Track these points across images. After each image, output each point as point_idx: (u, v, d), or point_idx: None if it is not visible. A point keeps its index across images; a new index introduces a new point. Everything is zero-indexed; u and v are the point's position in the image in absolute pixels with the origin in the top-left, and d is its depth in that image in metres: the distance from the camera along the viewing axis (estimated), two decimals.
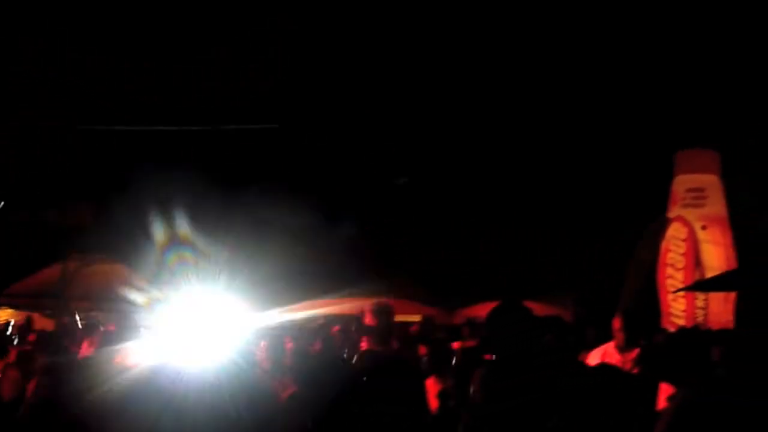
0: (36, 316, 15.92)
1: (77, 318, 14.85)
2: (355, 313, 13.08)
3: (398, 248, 22.23)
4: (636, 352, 6.40)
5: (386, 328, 6.63)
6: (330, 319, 14.58)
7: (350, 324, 12.39)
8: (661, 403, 5.35)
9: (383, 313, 6.72)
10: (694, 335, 6.25)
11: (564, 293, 18.52)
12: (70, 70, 21.09)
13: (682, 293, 16.23)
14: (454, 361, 8.10)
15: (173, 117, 22.21)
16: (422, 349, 8.97)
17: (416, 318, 14.51)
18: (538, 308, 15.42)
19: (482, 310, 12.85)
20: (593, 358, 6.63)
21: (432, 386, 6.89)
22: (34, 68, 20.80)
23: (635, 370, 6.00)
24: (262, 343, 7.46)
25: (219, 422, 5.23)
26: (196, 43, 20.74)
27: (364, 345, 6.97)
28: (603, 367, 5.53)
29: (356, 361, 6.59)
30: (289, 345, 8.13)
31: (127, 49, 21.00)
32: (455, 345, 10.26)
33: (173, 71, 21.29)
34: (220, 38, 20.86)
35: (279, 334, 8.23)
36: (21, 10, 20.28)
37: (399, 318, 14.69)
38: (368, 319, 6.54)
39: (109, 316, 14.71)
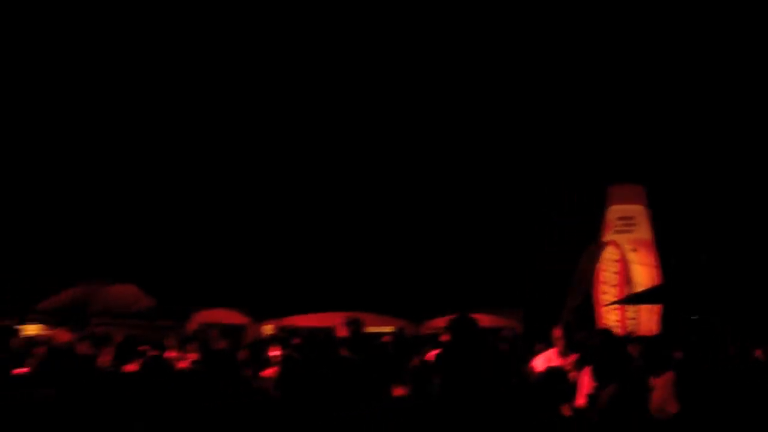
0: (60, 329, 15.72)
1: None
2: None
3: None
4: (574, 356, 6.45)
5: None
6: None
7: None
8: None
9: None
10: (615, 339, 6.34)
11: (515, 308, 18.56)
12: None
13: (615, 306, 16.37)
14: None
15: None
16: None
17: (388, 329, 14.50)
18: (493, 320, 15.64)
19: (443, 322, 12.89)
20: (539, 363, 6.67)
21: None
22: None
23: (573, 372, 6.07)
24: None
25: None
26: None
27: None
28: (549, 369, 5.64)
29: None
30: None
31: None
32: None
33: None
34: None
35: None
36: None
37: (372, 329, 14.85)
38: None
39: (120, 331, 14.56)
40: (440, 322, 15.32)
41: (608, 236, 17.60)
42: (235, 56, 22.44)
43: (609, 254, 17.25)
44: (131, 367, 6.96)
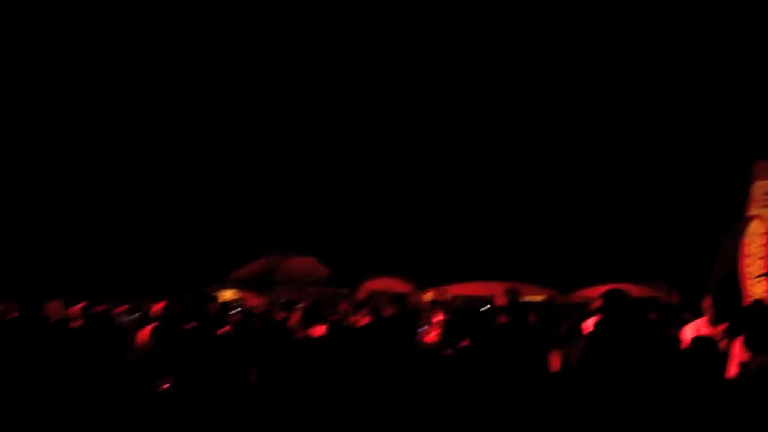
0: (250, 294, 16.59)
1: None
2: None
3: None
4: (724, 326, 6.18)
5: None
6: None
7: None
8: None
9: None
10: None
11: (661, 280, 17.81)
12: None
13: (761, 279, 15.44)
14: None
15: None
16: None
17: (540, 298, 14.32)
18: (642, 291, 15.10)
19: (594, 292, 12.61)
20: (688, 332, 6.43)
21: None
22: None
23: (723, 341, 5.81)
24: None
25: None
26: None
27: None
28: (697, 339, 5.42)
29: None
30: None
31: None
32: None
33: None
34: None
35: None
36: None
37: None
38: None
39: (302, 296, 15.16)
40: (590, 292, 14.97)
41: (754, 211, 16.53)
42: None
43: (754, 228, 16.20)
44: (318, 330, 7.22)
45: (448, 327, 7.83)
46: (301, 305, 8.99)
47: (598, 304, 6.51)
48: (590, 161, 20.02)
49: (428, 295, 17.36)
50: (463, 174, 22.62)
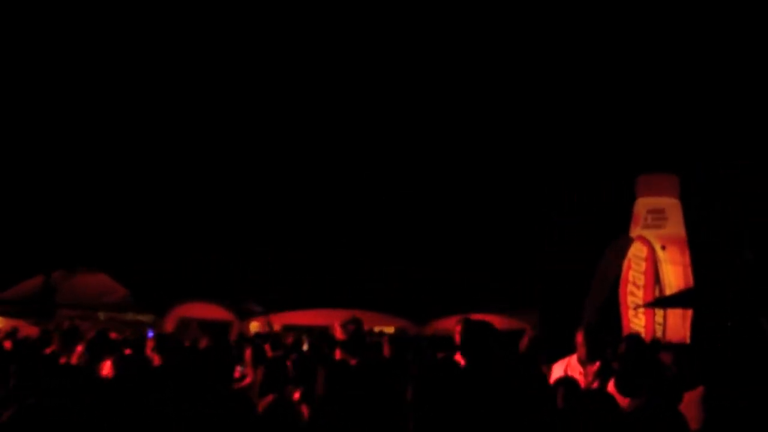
0: (21, 323, 15.75)
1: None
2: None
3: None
4: (597, 365, 6.44)
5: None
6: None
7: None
8: None
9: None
10: (645, 346, 6.34)
11: (529, 308, 18.55)
12: None
13: (642, 309, 16.41)
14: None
15: None
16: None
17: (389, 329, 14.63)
18: (503, 323, 15.68)
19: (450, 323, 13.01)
20: (557, 370, 6.65)
21: None
22: None
23: (595, 383, 6.05)
24: None
25: None
26: None
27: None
28: (565, 379, 5.61)
29: None
30: None
31: None
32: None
33: None
34: None
35: None
36: None
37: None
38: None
39: (93, 324, 14.59)
40: (446, 323, 15.39)
41: (636, 231, 17.56)
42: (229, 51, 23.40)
43: (636, 251, 17.23)
44: (104, 367, 6.94)
45: (270, 367, 7.69)
46: (88, 336, 8.63)
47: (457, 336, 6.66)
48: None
49: (254, 325, 17.26)
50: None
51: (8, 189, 22.39)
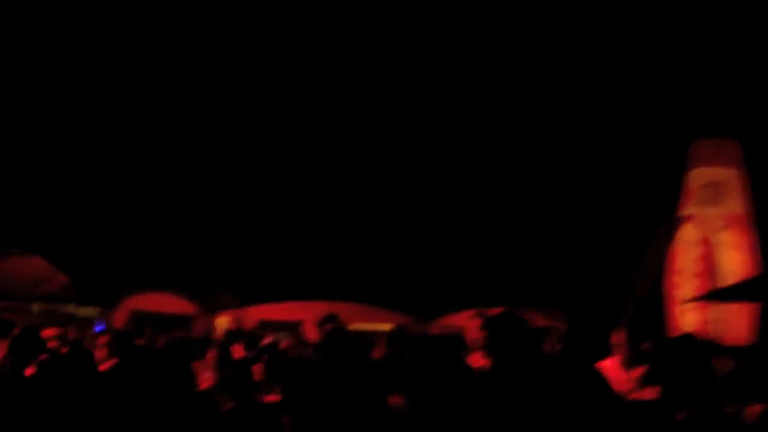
0: None
1: None
2: None
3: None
4: (640, 369, 6.40)
5: None
6: None
7: None
8: None
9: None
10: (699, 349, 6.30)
11: (558, 305, 18.56)
12: None
13: (693, 304, 16.30)
14: None
15: None
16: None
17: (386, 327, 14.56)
18: (536, 319, 15.65)
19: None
20: None
21: None
22: None
23: (642, 392, 6.01)
24: None
25: None
26: None
27: None
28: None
29: None
30: None
31: None
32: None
33: None
34: None
35: None
36: None
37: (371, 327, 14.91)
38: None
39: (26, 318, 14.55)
40: (456, 319, 15.38)
41: (689, 210, 17.38)
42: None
43: (687, 234, 17.10)
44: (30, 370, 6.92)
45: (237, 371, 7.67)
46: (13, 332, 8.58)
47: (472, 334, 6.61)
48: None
49: (222, 320, 17.23)
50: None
51: None
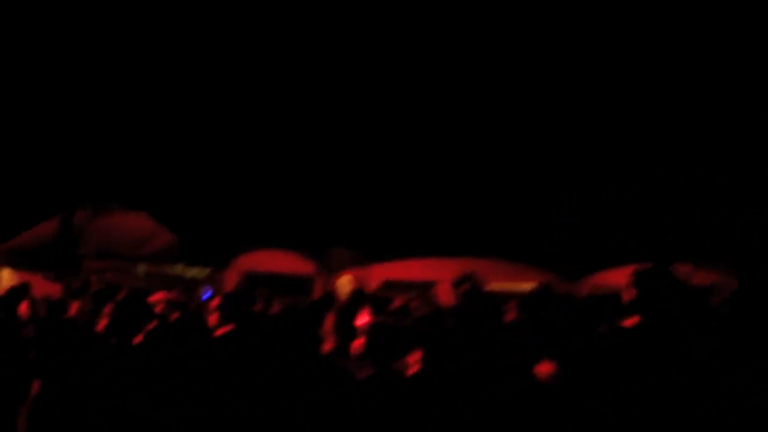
0: (37, 278, 15.97)
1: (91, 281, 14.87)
2: None
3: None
4: None
5: None
6: None
7: None
8: None
9: None
10: None
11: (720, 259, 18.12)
12: None
13: None
14: None
15: None
16: None
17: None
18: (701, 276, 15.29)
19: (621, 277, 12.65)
20: None
21: None
22: None
23: None
24: None
25: None
26: None
27: None
28: None
29: None
30: None
31: None
32: None
33: None
34: None
35: None
36: None
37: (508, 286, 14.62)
38: None
39: (130, 279, 14.72)
40: (615, 276, 15.06)
41: None
42: None
43: None
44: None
45: (376, 334, 7.43)
46: (120, 295, 8.57)
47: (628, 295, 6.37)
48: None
49: (344, 281, 17.14)
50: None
51: (18, 102, 22.92)
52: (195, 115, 24.60)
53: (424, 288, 14.51)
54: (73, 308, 9.17)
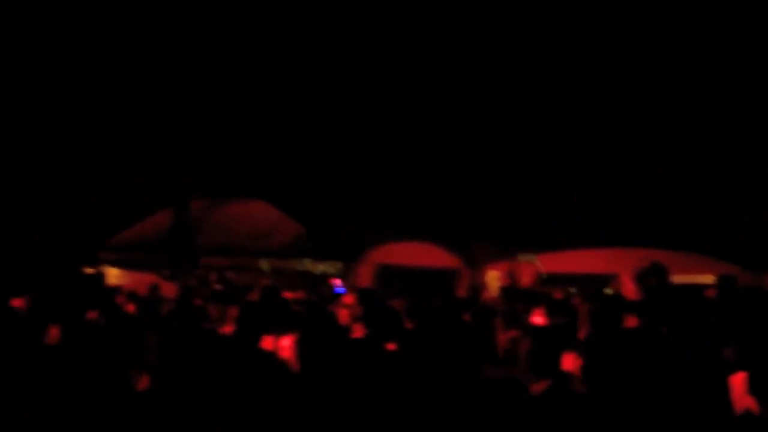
0: (150, 277, 16.18)
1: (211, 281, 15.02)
2: None
3: None
4: None
5: None
6: None
7: None
8: None
9: None
10: None
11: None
12: None
13: None
14: None
15: None
16: None
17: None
18: None
19: None
20: None
21: None
22: None
23: None
24: None
25: None
26: None
27: None
28: None
29: None
30: None
31: None
32: None
33: None
34: None
35: None
36: None
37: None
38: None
39: (253, 278, 14.83)
40: None
41: None
42: None
43: None
44: (284, 342, 6.77)
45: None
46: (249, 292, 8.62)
47: None
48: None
49: (494, 275, 17.06)
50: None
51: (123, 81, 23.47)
52: (321, 96, 25.10)
53: (583, 282, 14.46)
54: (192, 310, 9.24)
